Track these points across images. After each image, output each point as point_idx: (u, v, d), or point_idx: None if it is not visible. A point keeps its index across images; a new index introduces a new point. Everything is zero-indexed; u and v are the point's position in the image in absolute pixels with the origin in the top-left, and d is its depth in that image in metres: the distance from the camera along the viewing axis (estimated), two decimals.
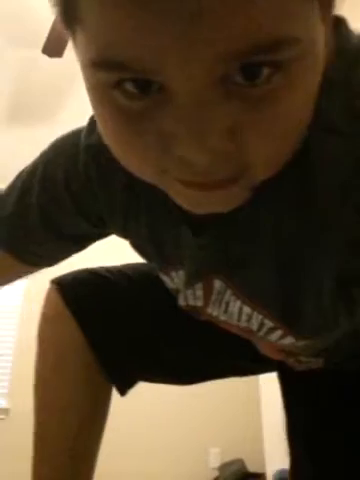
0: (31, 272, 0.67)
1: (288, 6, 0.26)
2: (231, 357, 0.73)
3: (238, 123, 0.30)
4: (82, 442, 0.71)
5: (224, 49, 0.26)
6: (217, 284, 0.52)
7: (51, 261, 0.65)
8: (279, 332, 0.54)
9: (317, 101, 0.33)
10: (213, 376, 0.81)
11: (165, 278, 0.59)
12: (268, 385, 2.46)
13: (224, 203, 0.36)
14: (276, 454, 2.41)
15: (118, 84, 0.29)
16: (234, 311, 0.55)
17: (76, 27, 0.29)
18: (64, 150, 0.55)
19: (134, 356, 0.73)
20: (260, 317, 0.53)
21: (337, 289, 0.43)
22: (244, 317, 0.54)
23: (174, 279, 0.58)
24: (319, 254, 0.42)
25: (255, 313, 0.53)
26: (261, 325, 0.54)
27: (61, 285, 0.75)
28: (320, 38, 0.31)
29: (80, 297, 0.73)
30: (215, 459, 3.33)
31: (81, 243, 0.63)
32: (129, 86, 0.29)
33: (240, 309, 0.53)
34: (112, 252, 2.21)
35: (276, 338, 0.55)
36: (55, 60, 2.47)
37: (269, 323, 0.53)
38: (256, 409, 2.96)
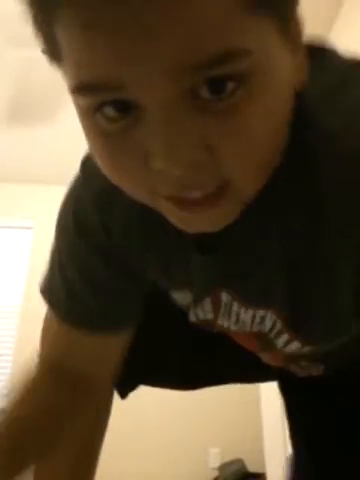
0: (124, 341, 0.64)
1: (233, 19, 0.29)
2: (233, 365, 0.72)
3: (210, 136, 0.32)
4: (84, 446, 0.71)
5: (177, 63, 0.28)
6: (224, 297, 0.53)
7: (127, 313, 0.63)
8: (285, 336, 0.54)
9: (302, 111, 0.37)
10: (215, 383, 0.80)
11: (175, 295, 0.59)
12: (268, 385, 2.46)
13: (215, 221, 0.37)
14: (276, 454, 2.41)
15: (98, 108, 0.32)
16: (246, 319, 0.55)
17: (59, 59, 0.33)
18: (69, 224, 0.56)
19: (137, 360, 0.72)
20: (274, 317, 0.53)
21: (353, 294, 0.43)
22: (258, 319, 0.54)
23: (184, 297, 0.58)
24: (329, 257, 0.42)
25: (269, 314, 0.53)
26: (274, 325, 0.54)
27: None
28: (278, 53, 0.33)
29: None
30: (215, 459, 3.33)
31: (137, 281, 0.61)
32: (108, 110, 0.32)
33: (253, 316, 0.54)
34: None
35: (283, 343, 0.55)
36: None
37: (279, 325, 0.53)
38: (256, 409, 2.96)
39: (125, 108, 0.32)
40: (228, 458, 3.23)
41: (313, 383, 0.71)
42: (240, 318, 0.55)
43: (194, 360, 0.69)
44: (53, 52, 0.33)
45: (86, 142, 0.37)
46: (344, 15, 2.57)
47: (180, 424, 3.31)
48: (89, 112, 0.33)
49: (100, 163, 0.37)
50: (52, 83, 2.92)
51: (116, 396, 0.75)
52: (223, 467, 3.19)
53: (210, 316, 0.57)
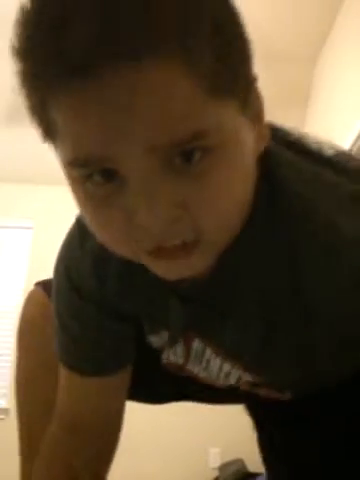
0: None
1: (198, 105, 0.35)
2: (197, 387, 0.72)
3: (184, 195, 0.38)
4: None
5: (151, 143, 0.35)
6: (196, 343, 0.59)
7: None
8: (250, 380, 0.60)
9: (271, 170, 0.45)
10: (180, 400, 0.82)
11: (151, 338, 0.62)
12: None
13: (191, 267, 0.42)
14: None
15: (88, 177, 0.38)
16: (214, 369, 0.60)
17: (53, 138, 0.39)
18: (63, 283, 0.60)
19: None
20: (239, 372, 0.59)
21: (328, 344, 0.49)
22: (222, 375, 0.60)
23: (159, 340, 0.62)
24: (301, 309, 0.47)
25: (234, 370, 0.59)
26: (238, 380, 0.60)
27: (45, 285, 0.76)
28: (240, 126, 0.39)
29: None
30: (215, 459, 3.33)
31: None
32: (96, 177, 0.37)
33: (220, 366, 0.59)
34: None
35: (248, 386, 0.61)
36: None
37: (247, 377, 0.59)
38: None
39: (111, 175, 0.37)
40: (228, 458, 3.23)
41: (280, 405, 0.71)
42: (209, 365, 0.60)
43: (159, 378, 0.70)
44: (47, 131, 0.39)
45: (77, 205, 0.42)
46: (344, 15, 2.57)
47: (180, 424, 3.31)
48: (80, 180, 0.38)
49: (89, 223, 0.42)
50: None
51: None
52: (223, 467, 3.19)
53: (181, 361, 0.62)
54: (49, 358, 0.72)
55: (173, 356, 0.63)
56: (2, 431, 3.21)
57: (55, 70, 0.34)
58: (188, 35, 0.34)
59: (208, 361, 0.60)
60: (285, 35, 2.77)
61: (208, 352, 0.59)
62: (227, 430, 3.35)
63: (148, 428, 3.27)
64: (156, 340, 0.62)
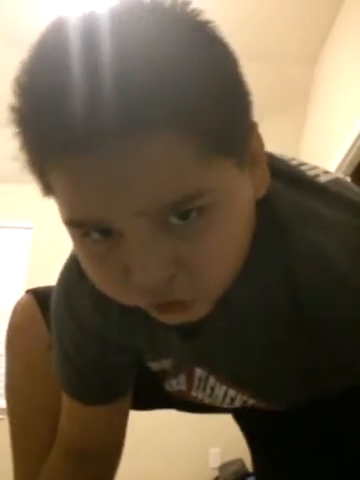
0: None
1: (191, 169, 0.35)
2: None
3: (179, 253, 0.38)
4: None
5: (145, 208, 0.36)
6: (198, 372, 0.60)
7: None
8: (260, 405, 0.62)
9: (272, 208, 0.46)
10: (166, 408, 0.83)
11: (150, 364, 0.63)
12: None
13: (191, 316, 0.44)
14: None
15: (86, 234, 0.39)
16: (219, 394, 0.61)
17: (52, 195, 0.40)
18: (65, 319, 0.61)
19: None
20: (244, 398, 0.60)
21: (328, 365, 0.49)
22: (228, 400, 0.61)
23: (160, 364, 0.62)
24: (300, 336, 0.49)
25: (239, 395, 0.60)
26: (244, 404, 0.61)
27: (36, 293, 0.77)
28: (236, 181, 0.40)
29: None
30: (215, 459, 3.33)
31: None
32: (94, 235, 0.39)
33: (225, 393, 0.60)
34: None
35: (252, 405, 0.62)
36: None
37: (252, 401, 0.60)
38: None
39: (107, 232, 0.38)
40: (228, 458, 3.23)
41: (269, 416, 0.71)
42: (214, 392, 0.61)
43: (145, 384, 0.70)
44: (47, 189, 0.40)
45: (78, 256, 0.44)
46: (344, 15, 2.57)
47: (180, 424, 3.31)
48: (79, 236, 0.40)
49: (89, 273, 0.43)
50: None
51: None
52: (223, 467, 3.19)
53: (183, 388, 0.63)
54: (35, 362, 0.74)
55: (176, 384, 0.64)
56: (2, 431, 3.21)
57: (50, 146, 0.35)
58: (179, 106, 0.34)
59: (212, 388, 0.61)
60: (285, 35, 2.77)
61: (212, 380, 0.59)
62: (227, 430, 3.34)
63: (148, 428, 3.27)
64: (156, 365, 0.63)
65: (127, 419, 0.69)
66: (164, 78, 0.33)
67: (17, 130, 0.38)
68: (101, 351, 0.61)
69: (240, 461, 3.15)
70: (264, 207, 0.46)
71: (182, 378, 0.62)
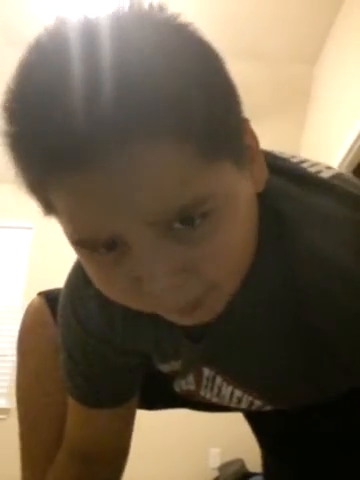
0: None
1: (192, 176, 0.35)
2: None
3: (187, 259, 0.38)
4: None
5: (149, 219, 0.35)
6: (206, 372, 0.60)
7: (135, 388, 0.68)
8: (268, 407, 0.62)
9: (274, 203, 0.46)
10: (170, 407, 0.84)
11: (160, 366, 0.63)
12: None
13: (204, 315, 0.44)
14: None
15: (93, 250, 0.39)
16: (226, 394, 0.61)
17: (55, 215, 0.40)
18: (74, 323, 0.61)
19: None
20: (250, 398, 0.60)
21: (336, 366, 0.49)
22: (235, 400, 0.61)
23: (169, 368, 0.63)
24: (306, 337, 0.49)
25: (246, 395, 0.60)
26: (250, 404, 0.61)
27: (47, 295, 0.77)
28: (236, 181, 0.40)
29: None
30: (215, 459, 3.33)
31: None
32: (101, 249, 0.38)
33: (232, 393, 0.61)
34: None
35: (257, 407, 0.62)
36: None
37: (258, 402, 0.60)
38: None
39: (113, 245, 0.38)
40: (228, 458, 3.23)
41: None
42: (221, 392, 0.61)
43: (153, 384, 0.71)
44: (48, 210, 0.40)
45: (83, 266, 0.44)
46: (344, 15, 2.57)
47: (180, 424, 3.31)
48: (86, 252, 0.40)
49: (96, 284, 0.43)
50: None
51: None
52: (223, 467, 3.19)
53: (192, 387, 0.63)
54: (45, 364, 0.74)
55: (184, 384, 0.64)
56: (2, 431, 3.21)
57: (49, 165, 0.34)
58: (176, 113, 0.33)
59: (220, 388, 0.61)
60: (285, 35, 2.77)
61: (219, 380, 0.60)
62: (227, 430, 3.35)
63: (148, 428, 3.27)
64: (165, 367, 0.63)
65: (133, 423, 0.69)
66: (160, 88, 0.33)
67: (12, 154, 0.37)
68: (107, 355, 0.61)
69: (240, 461, 3.15)
70: (264, 203, 0.46)
71: (191, 378, 0.62)
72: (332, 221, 0.46)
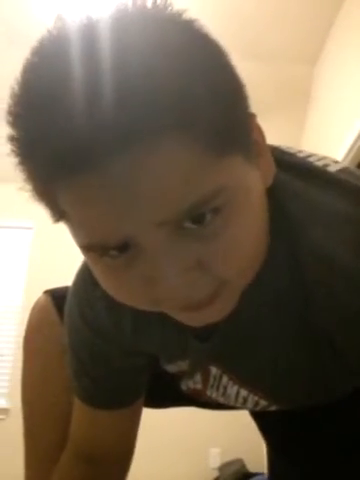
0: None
1: (201, 173, 0.35)
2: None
3: (199, 256, 0.38)
4: None
5: (160, 219, 0.35)
6: (213, 370, 0.60)
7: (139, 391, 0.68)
8: (273, 408, 0.62)
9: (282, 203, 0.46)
10: (177, 405, 0.84)
11: (167, 366, 0.63)
12: None
13: (215, 314, 0.43)
14: None
15: (104, 254, 0.38)
16: (231, 394, 0.61)
17: (64, 220, 0.39)
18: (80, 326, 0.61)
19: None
20: (255, 398, 0.60)
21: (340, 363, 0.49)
22: (240, 400, 0.61)
23: (176, 368, 0.62)
24: (313, 339, 0.49)
25: (251, 395, 0.60)
26: (256, 404, 0.61)
27: (53, 293, 0.77)
28: (246, 173, 0.40)
29: None
30: (215, 459, 3.33)
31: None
32: (112, 252, 0.38)
33: (237, 392, 0.61)
34: None
35: (263, 407, 0.62)
36: None
37: (263, 402, 0.61)
38: None
39: (125, 247, 0.38)
40: (228, 458, 3.23)
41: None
42: (227, 392, 0.61)
43: (160, 382, 0.70)
44: (57, 216, 0.39)
45: (92, 271, 0.43)
46: (344, 15, 2.57)
47: (180, 424, 3.31)
48: (94, 256, 0.40)
49: (105, 286, 0.43)
50: None
51: None
52: (223, 467, 3.19)
53: (199, 386, 0.63)
54: (50, 363, 0.73)
55: (192, 383, 0.64)
56: (2, 431, 3.21)
57: (55, 171, 0.34)
58: (179, 111, 0.33)
59: (225, 387, 0.61)
60: (285, 35, 2.77)
61: (225, 379, 0.60)
62: (227, 430, 3.35)
63: (148, 428, 3.27)
64: (172, 367, 0.63)
65: (138, 424, 0.69)
66: (160, 87, 0.33)
67: (18, 160, 0.37)
68: (114, 355, 0.61)
69: (240, 461, 3.15)
70: (272, 201, 0.46)
71: (198, 377, 0.62)
72: (335, 219, 0.45)
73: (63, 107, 0.33)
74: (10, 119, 0.36)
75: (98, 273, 0.42)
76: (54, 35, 0.36)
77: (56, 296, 0.75)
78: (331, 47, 2.77)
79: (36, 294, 0.79)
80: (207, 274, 0.39)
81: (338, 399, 0.59)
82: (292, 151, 0.53)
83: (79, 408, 0.65)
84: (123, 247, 0.38)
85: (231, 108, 0.37)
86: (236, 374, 0.58)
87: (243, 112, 0.40)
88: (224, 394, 0.62)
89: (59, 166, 0.34)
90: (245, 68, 0.41)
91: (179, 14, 0.38)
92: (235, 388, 0.60)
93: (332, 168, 0.50)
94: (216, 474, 3.22)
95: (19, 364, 0.79)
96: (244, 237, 0.39)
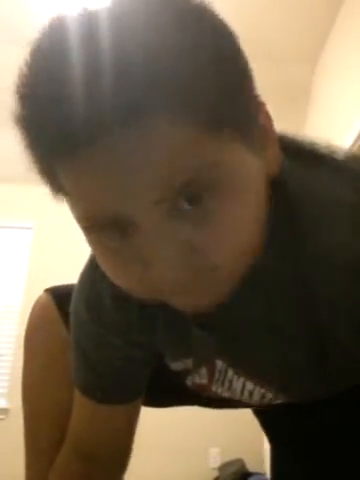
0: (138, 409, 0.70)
1: (197, 149, 0.36)
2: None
3: (192, 238, 0.39)
4: None
5: (155, 197, 0.36)
6: (218, 364, 0.60)
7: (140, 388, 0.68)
8: (279, 400, 0.62)
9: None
10: (179, 405, 0.85)
11: (171, 364, 0.63)
12: None
13: (206, 299, 0.43)
14: None
15: (102, 229, 0.39)
16: (237, 388, 0.61)
17: (64, 194, 0.40)
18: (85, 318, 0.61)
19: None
20: (262, 391, 0.60)
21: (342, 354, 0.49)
22: (246, 393, 0.61)
23: (181, 365, 0.62)
24: (315, 327, 0.49)
25: (257, 388, 0.60)
26: (262, 398, 0.61)
27: (54, 291, 0.77)
28: (243, 158, 0.40)
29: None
30: (215, 459, 3.33)
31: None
32: (109, 230, 0.39)
33: (243, 386, 0.61)
34: None
35: (269, 400, 0.62)
36: None
37: (270, 395, 0.60)
38: None
39: (123, 226, 0.39)
40: (228, 458, 3.23)
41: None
42: (232, 386, 0.61)
43: (161, 380, 0.70)
44: (57, 190, 0.41)
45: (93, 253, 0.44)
46: (344, 15, 2.57)
47: (180, 424, 3.31)
48: (94, 232, 0.41)
49: (105, 269, 0.44)
50: None
51: None
52: (223, 467, 3.19)
53: (205, 381, 0.63)
54: (51, 361, 0.73)
55: (197, 378, 0.64)
56: (2, 431, 3.21)
57: (55, 145, 0.36)
58: (175, 88, 0.34)
59: (231, 381, 0.61)
60: (285, 35, 2.77)
61: (230, 373, 0.60)
62: (227, 430, 3.35)
63: (148, 428, 3.27)
64: (178, 365, 0.63)
65: (137, 423, 0.69)
66: (160, 65, 0.34)
67: (20, 133, 0.39)
68: (119, 349, 0.61)
69: (240, 461, 3.15)
70: (278, 191, 0.46)
71: (203, 371, 0.62)
72: (342, 210, 0.45)
73: (65, 87, 0.34)
74: (17, 98, 0.38)
75: (98, 256, 0.43)
76: (59, 18, 0.38)
77: (57, 294, 0.75)
78: (331, 47, 2.77)
79: (36, 294, 0.79)
80: (200, 257, 0.39)
81: (344, 391, 0.59)
82: (299, 138, 0.53)
83: (80, 403, 0.65)
84: (120, 226, 0.39)
85: (229, 89, 0.38)
86: (241, 367, 0.58)
87: (244, 94, 0.40)
88: (229, 388, 0.62)
89: (62, 141, 0.35)
90: None
91: None
92: (241, 382, 0.60)
93: (339, 155, 0.50)
94: (216, 474, 3.23)
95: (19, 364, 0.79)
96: (238, 223, 0.40)
